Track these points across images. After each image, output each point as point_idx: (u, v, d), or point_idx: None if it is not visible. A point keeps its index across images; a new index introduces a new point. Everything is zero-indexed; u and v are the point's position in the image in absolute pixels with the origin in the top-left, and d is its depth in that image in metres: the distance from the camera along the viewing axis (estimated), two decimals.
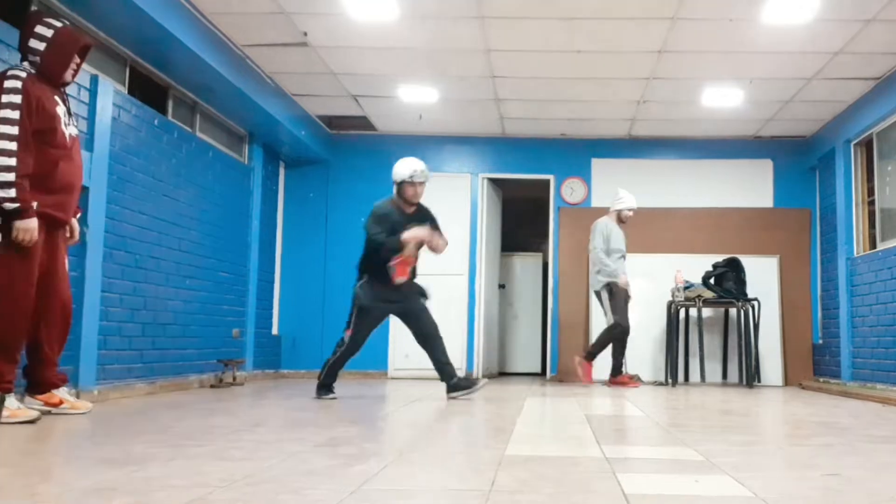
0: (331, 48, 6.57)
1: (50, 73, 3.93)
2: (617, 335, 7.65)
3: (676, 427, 4.13)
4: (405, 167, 5.69)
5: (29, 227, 3.70)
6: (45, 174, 3.82)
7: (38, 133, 3.77)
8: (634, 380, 7.82)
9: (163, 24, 5.31)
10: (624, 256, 7.82)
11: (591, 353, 7.77)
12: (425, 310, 5.67)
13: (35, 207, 3.73)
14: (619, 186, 8.62)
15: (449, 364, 5.64)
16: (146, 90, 6.15)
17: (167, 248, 6.18)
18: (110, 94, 5.35)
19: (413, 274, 5.68)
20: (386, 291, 5.54)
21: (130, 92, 5.82)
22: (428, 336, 5.64)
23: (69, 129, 4.00)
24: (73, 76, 4.11)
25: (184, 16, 5.63)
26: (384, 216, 5.60)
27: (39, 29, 3.91)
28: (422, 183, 5.68)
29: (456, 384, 5.61)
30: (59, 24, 3.98)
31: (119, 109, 5.49)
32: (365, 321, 5.59)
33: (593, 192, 9.08)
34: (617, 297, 7.64)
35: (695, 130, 8.78)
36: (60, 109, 3.94)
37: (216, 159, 7.14)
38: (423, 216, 5.75)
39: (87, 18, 5.19)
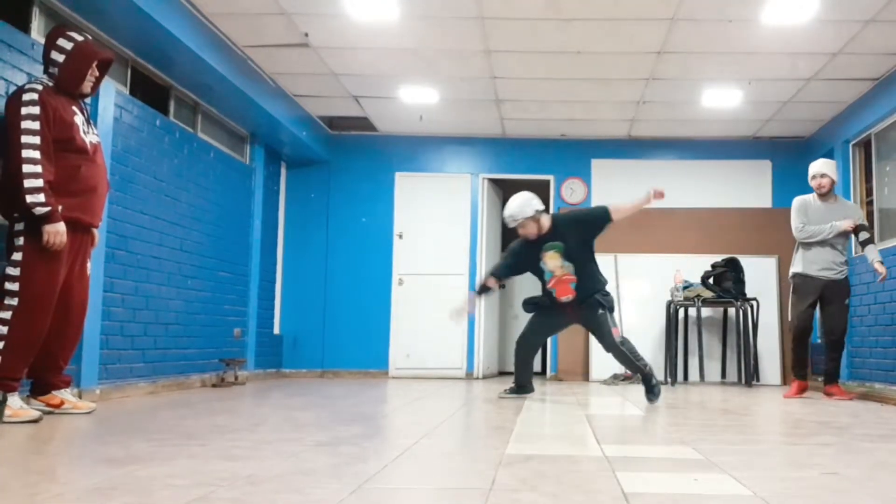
0: (332, 49, 6.58)
1: (66, 85, 4.05)
2: (796, 336, 6.46)
3: (676, 426, 4.14)
4: (504, 212, 5.61)
5: (58, 231, 3.83)
6: (68, 178, 3.94)
7: (58, 142, 3.89)
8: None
9: (164, 24, 5.33)
10: (824, 241, 6.33)
11: (829, 375, 6.43)
12: (600, 322, 5.49)
13: (60, 210, 3.86)
14: (617, 186, 8.65)
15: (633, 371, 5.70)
16: (148, 91, 6.16)
17: (169, 248, 6.20)
18: (112, 94, 5.36)
19: (578, 290, 5.48)
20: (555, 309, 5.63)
21: (132, 92, 5.83)
22: (606, 347, 5.61)
23: (89, 137, 4.10)
24: (93, 89, 4.23)
25: (185, 17, 5.64)
26: (507, 252, 5.85)
27: (61, 42, 4.04)
28: (521, 224, 5.45)
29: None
30: (79, 39, 4.09)
31: (121, 110, 5.51)
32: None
33: (593, 193, 9.10)
34: (799, 292, 6.44)
35: (694, 131, 8.79)
36: (78, 119, 4.05)
37: (217, 160, 7.16)
38: (554, 236, 5.50)
39: (89, 19, 5.20)
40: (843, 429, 4.10)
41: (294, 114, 7.97)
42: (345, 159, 9.13)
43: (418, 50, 6.56)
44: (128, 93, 5.75)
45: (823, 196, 6.39)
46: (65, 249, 3.93)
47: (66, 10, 4.99)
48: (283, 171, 9.02)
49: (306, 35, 6.28)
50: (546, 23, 5.92)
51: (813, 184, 6.44)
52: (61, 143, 3.91)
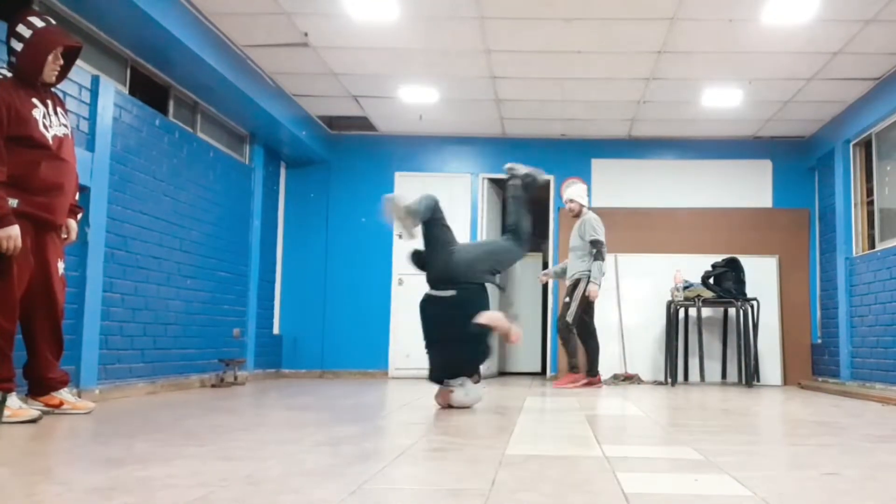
0: (331, 49, 6.58)
1: (24, 74, 3.84)
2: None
3: (676, 426, 4.14)
4: None
5: (10, 235, 3.63)
6: (25, 176, 3.73)
7: (13, 139, 3.69)
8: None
9: (163, 24, 5.32)
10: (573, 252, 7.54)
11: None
12: None
13: (16, 205, 3.68)
14: (617, 186, 8.67)
15: None
16: (147, 90, 6.16)
17: (168, 248, 6.19)
18: (111, 94, 5.36)
19: None
20: None
21: (131, 92, 5.83)
22: None
23: (53, 130, 3.88)
24: (59, 78, 4.02)
25: (184, 16, 5.64)
26: None
27: (20, 28, 3.82)
28: None
29: None
30: (39, 25, 3.85)
31: (120, 110, 5.50)
32: None
33: (593, 193, 9.08)
34: None
35: (694, 131, 8.79)
36: (38, 111, 3.83)
37: (217, 159, 7.15)
38: None
39: (88, 18, 5.20)
40: (843, 429, 4.09)
41: (294, 114, 7.96)
42: (345, 159, 9.13)
43: (418, 49, 6.56)
44: (127, 92, 5.74)
45: (574, 218, 7.61)
46: (24, 250, 3.74)
47: (66, 9, 4.99)
48: (283, 171, 9.02)
49: (306, 35, 6.28)
50: (546, 22, 5.92)
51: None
52: (17, 140, 3.70)
